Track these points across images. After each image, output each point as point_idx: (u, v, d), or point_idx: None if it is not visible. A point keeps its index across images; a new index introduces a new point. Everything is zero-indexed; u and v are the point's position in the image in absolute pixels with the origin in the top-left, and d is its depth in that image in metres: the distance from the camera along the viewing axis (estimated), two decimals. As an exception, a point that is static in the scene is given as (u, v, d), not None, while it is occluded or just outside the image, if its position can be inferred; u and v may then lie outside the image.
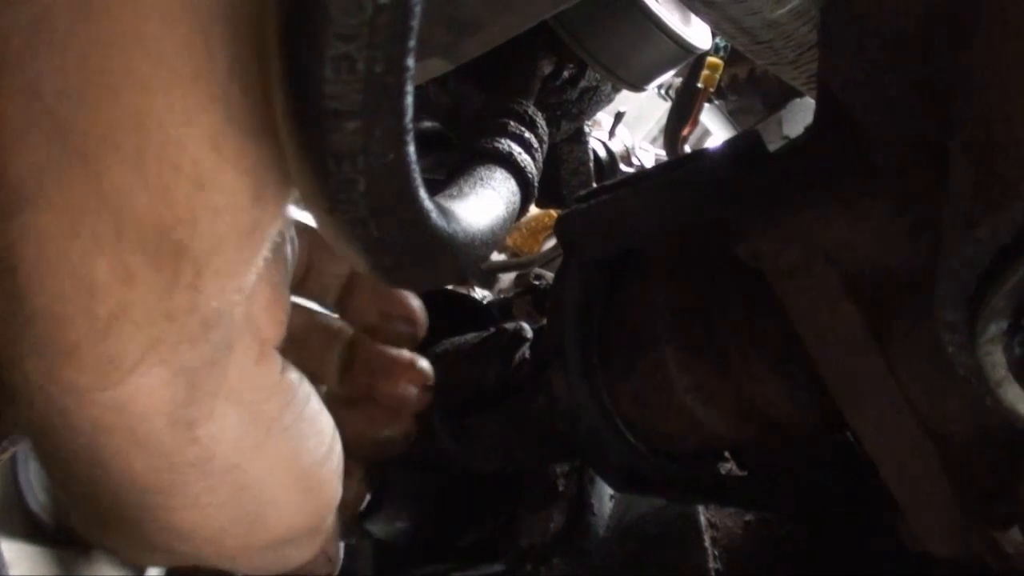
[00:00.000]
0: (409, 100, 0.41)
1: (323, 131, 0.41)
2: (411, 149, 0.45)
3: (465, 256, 0.61)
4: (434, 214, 0.52)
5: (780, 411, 0.79)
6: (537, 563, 1.08)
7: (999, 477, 0.65)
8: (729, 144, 0.81)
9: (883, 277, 0.65)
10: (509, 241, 2.28)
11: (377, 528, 1.15)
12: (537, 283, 1.39)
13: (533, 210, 2.25)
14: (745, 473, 0.91)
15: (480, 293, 1.57)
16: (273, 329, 0.55)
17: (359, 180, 0.43)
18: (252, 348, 0.53)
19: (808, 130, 0.75)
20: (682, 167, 0.83)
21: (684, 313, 0.81)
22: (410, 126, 0.43)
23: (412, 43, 0.40)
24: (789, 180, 0.70)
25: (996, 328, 0.45)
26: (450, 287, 1.66)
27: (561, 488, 1.15)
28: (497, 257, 2.17)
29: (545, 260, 1.87)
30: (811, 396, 0.76)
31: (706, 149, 0.84)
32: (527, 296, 1.37)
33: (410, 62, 0.40)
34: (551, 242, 2.21)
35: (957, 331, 0.47)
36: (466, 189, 0.83)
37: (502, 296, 1.49)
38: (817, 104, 0.72)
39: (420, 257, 0.53)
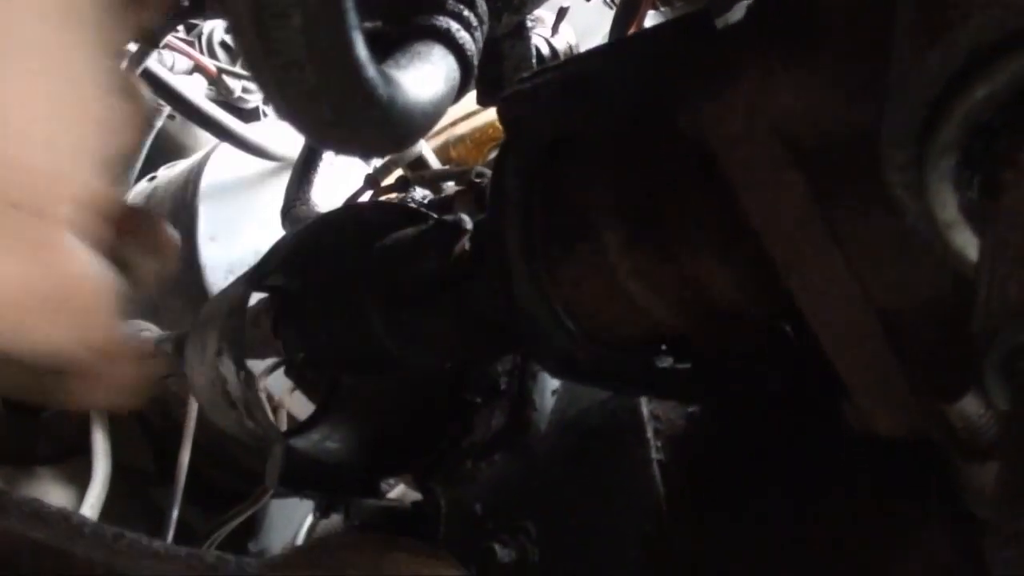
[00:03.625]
0: None
1: None
2: None
3: (403, 123, 0.60)
4: (372, 69, 0.50)
5: (723, 295, 0.77)
6: (478, 459, 1.07)
7: (945, 350, 0.64)
8: (677, 20, 0.79)
9: (828, 144, 0.63)
10: (453, 153, 2.25)
11: (303, 444, 1.14)
12: (478, 180, 1.36)
13: (478, 120, 2.22)
14: (685, 365, 0.90)
15: (421, 192, 1.54)
16: None
17: (294, 14, 0.41)
18: None
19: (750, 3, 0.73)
20: (630, 44, 0.81)
21: (626, 195, 0.79)
22: None
23: None
24: (734, 51, 0.68)
25: (946, 164, 0.43)
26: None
27: (503, 386, 1.14)
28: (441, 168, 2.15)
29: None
30: (755, 279, 0.74)
31: (654, 26, 0.81)
32: (468, 193, 1.35)
33: None
34: (495, 153, 2.19)
35: (906, 171, 0.45)
36: (403, 62, 0.80)
37: (442, 195, 1.47)
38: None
39: (359, 115, 0.51)
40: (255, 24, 0.43)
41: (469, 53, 0.92)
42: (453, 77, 0.88)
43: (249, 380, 1.05)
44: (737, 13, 1.96)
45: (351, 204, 1.65)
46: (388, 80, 0.55)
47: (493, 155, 2.15)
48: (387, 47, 0.84)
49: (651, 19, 2.11)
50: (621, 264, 0.79)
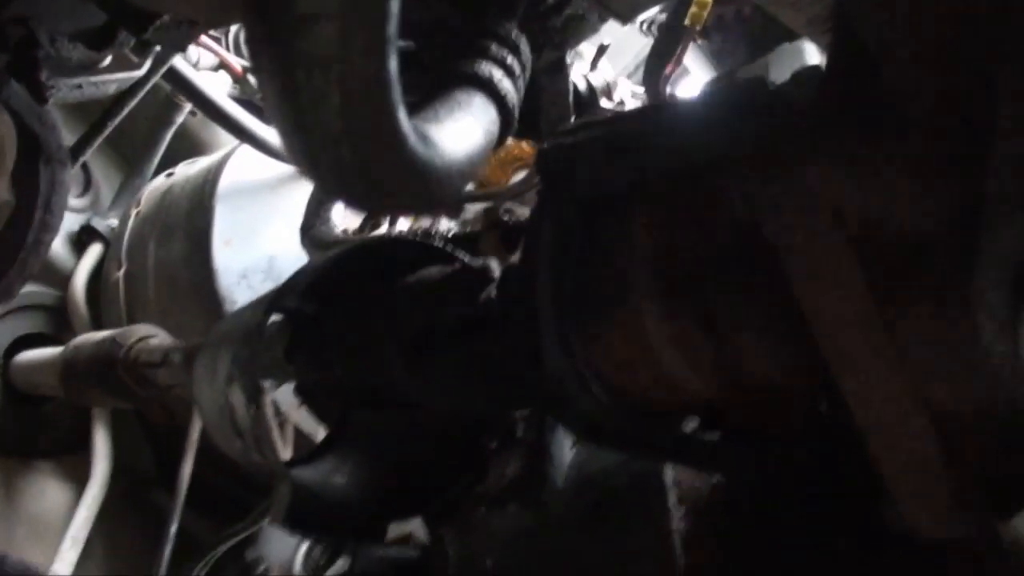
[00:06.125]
0: (395, 3, 0.36)
1: (293, 36, 0.35)
2: (394, 62, 0.39)
3: (441, 186, 0.57)
4: (412, 138, 0.47)
5: (761, 371, 0.74)
6: (491, 508, 1.04)
7: (1000, 462, 0.61)
8: (731, 88, 0.76)
9: (891, 242, 0.60)
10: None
11: (309, 477, 1.11)
12: (506, 218, 1.33)
13: (504, 140, 2.18)
14: (713, 435, 0.87)
15: (446, 224, 1.51)
16: None
17: (332, 94, 0.38)
18: None
19: (820, 80, 0.70)
20: (680, 107, 0.77)
21: (667, 262, 0.76)
22: (395, 35, 0.37)
23: None
24: (796, 131, 0.65)
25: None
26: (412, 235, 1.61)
27: (519, 434, 1.11)
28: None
29: (514, 193, 1.82)
30: (796, 360, 0.71)
31: (706, 91, 0.78)
32: (495, 231, 1.32)
33: None
34: (520, 175, 2.15)
35: (995, 313, 0.42)
36: (442, 114, 0.77)
37: (469, 230, 1.44)
38: (832, 55, 0.67)
39: (394, 184, 0.48)
40: (290, 103, 0.39)
41: (511, 104, 0.89)
42: (492, 130, 0.85)
43: (259, 414, 1.02)
44: (778, 57, 1.93)
45: (375, 237, 1.61)
46: (427, 143, 0.52)
47: (518, 177, 2.12)
48: (426, 92, 0.81)
49: (691, 51, 2.09)
50: (658, 332, 0.76)
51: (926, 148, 0.57)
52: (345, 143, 0.41)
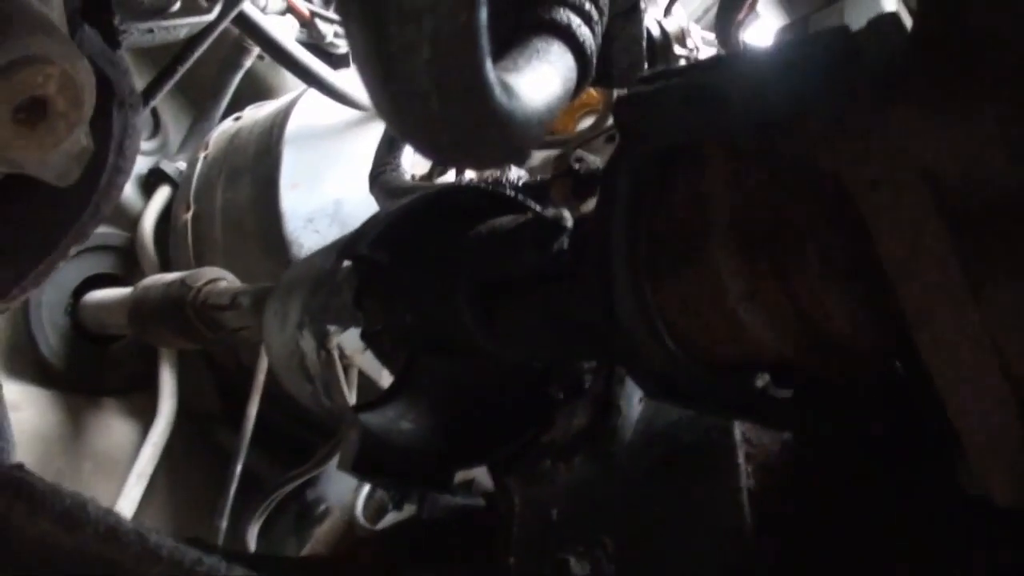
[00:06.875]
0: None
1: None
2: (483, 14, 0.38)
3: (522, 135, 0.56)
4: (498, 90, 0.46)
5: (838, 330, 0.73)
6: (557, 460, 1.04)
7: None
8: (815, 39, 0.74)
9: (978, 200, 0.58)
10: (544, 118, 2.19)
11: (376, 422, 1.12)
12: (577, 167, 1.32)
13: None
14: (785, 392, 0.86)
15: (516, 172, 1.50)
16: None
17: (423, 47, 0.37)
18: None
19: (909, 31, 0.68)
20: (760, 58, 0.76)
21: (745, 216, 0.75)
22: None
23: None
24: (883, 84, 0.63)
25: None
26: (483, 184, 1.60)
27: (587, 385, 1.11)
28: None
29: (582, 140, 1.80)
30: (874, 318, 0.70)
31: (785, 40, 0.76)
32: (566, 179, 1.31)
33: None
34: (587, 121, 2.13)
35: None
36: (521, 63, 0.76)
37: (539, 178, 1.43)
38: (922, 3, 0.65)
39: (479, 135, 0.48)
40: (379, 54, 0.39)
41: (588, 52, 0.88)
42: (570, 78, 0.84)
43: (329, 359, 1.03)
44: (854, 2, 1.88)
45: (447, 185, 1.60)
46: (510, 94, 0.52)
47: (585, 123, 2.10)
48: (504, 40, 0.80)
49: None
50: (733, 286, 0.75)
51: (1015, 105, 0.56)
52: (434, 97, 0.41)
